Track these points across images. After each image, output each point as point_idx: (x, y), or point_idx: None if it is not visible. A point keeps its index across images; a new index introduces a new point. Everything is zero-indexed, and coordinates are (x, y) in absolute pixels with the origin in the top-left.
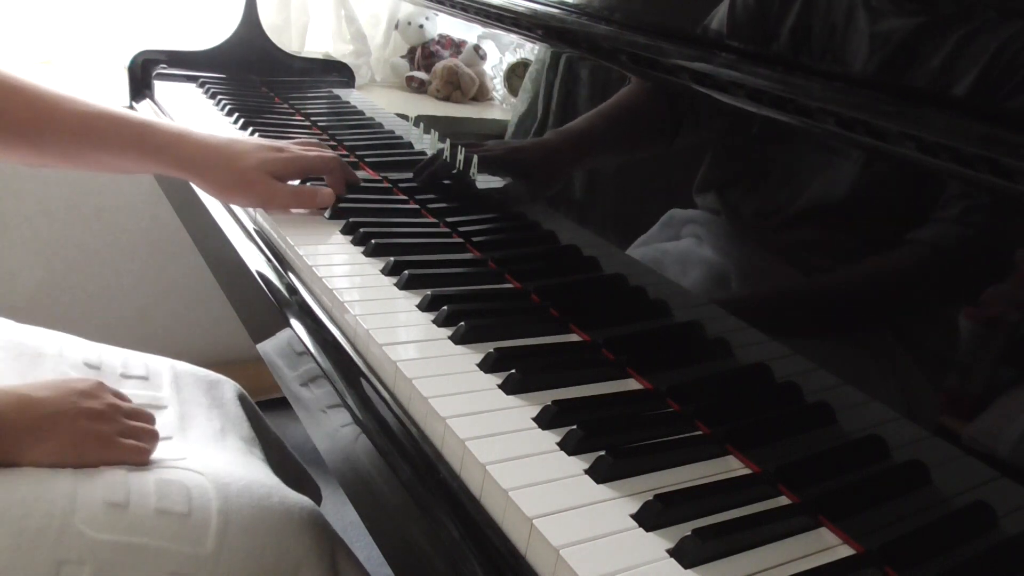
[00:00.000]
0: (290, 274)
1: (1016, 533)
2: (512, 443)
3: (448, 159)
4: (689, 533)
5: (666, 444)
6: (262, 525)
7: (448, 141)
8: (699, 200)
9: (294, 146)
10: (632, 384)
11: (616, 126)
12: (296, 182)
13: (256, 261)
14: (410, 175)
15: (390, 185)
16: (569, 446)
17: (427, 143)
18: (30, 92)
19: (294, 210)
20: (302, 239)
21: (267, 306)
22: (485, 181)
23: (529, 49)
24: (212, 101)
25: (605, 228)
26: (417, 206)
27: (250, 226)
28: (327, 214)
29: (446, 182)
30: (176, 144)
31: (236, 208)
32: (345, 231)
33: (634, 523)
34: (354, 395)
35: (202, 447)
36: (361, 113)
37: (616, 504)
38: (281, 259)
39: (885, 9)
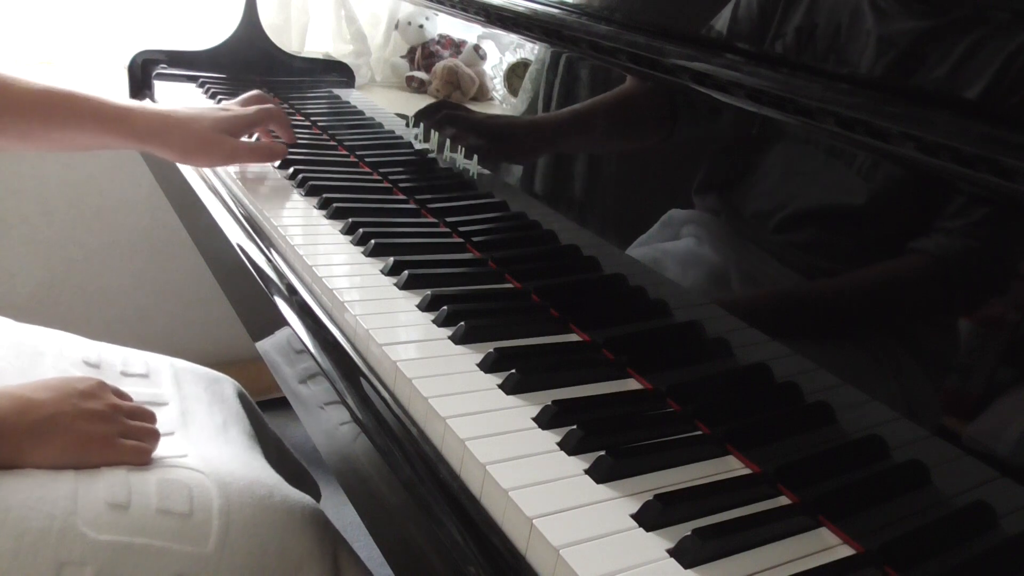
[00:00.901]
0: (290, 274)
1: (1016, 533)
2: (512, 443)
3: (448, 159)
4: (689, 533)
5: (666, 444)
6: (264, 524)
7: (448, 141)
8: (699, 200)
9: (234, 104)
10: (632, 384)
11: (611, 113)
12: (245, 138)
13: (256, 261)
14: (410, 175)
15: (390, 185)
16: (569, 446)
17: (421, 141)
18: None
19: (254, 167)
20: (302, 239)
21: (267, 306)
22: (485, 181)
23: (529, 49)
24: (212, 101)
25: (605, 228)
26: (417, 206)
27: (250, 226)
28: (327, 214)
29: (440, 181)
30: (132, 116)
31: (236, 208)
32: (345, 231)
33: (634, 523)
34: (354, 395)
35: (204, 442)
36: (361, 113)
37: (616, 504)
38: (281, 259)
39: (885, 9)
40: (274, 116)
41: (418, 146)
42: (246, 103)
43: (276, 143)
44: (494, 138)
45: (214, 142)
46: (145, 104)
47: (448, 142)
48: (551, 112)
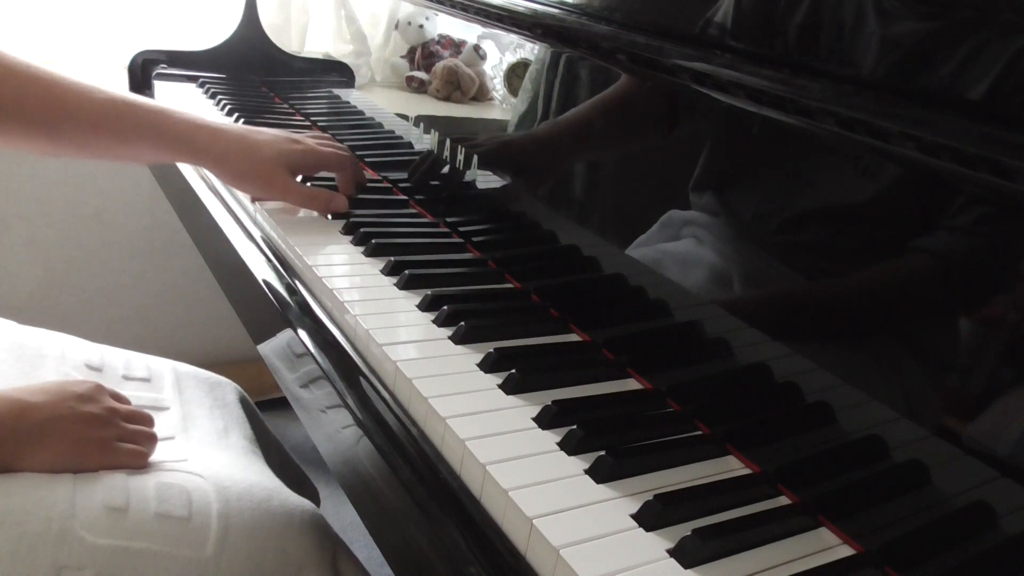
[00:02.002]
0: (290, 274)
1: (1016, 533)
2: (512, 443)
3: (448, 159)
4: (689, 533)
5: (666, 444)
6: (263, 528)
7: (448, 141)
8: (699, 200)
9: (309, 139)
10: (632, 384)
11: (610, 116)
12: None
13: (256, 261)
14: (410, 175)
15: (390, 185)
16: (569, 446)
17: (427, 142)
18: (47, 81)
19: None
20: (302, 239)
21: (267, 306)
22: (485, 180)
23: (529, 49)
24: (212, 101)
25: (605, 228)
26: (417, 206)
27: (250, 226)
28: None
29: (439, 183)
30: (193, 133)
31: (236, 208)
32: (345, 231)
33: (634, 523)
34: (354, 395)
35: (204, 448)
36: (361, 113)
37: (616, 504)
38: (281, 259)
39: (887, 10)
40: (348, 166)
41: (418, 146)
42: (321, 142)
43: (336, 196)
44: (498, 158)
45: (271, 175)
46: (214, 122)
47: (448, 142)
48: (551, 123)
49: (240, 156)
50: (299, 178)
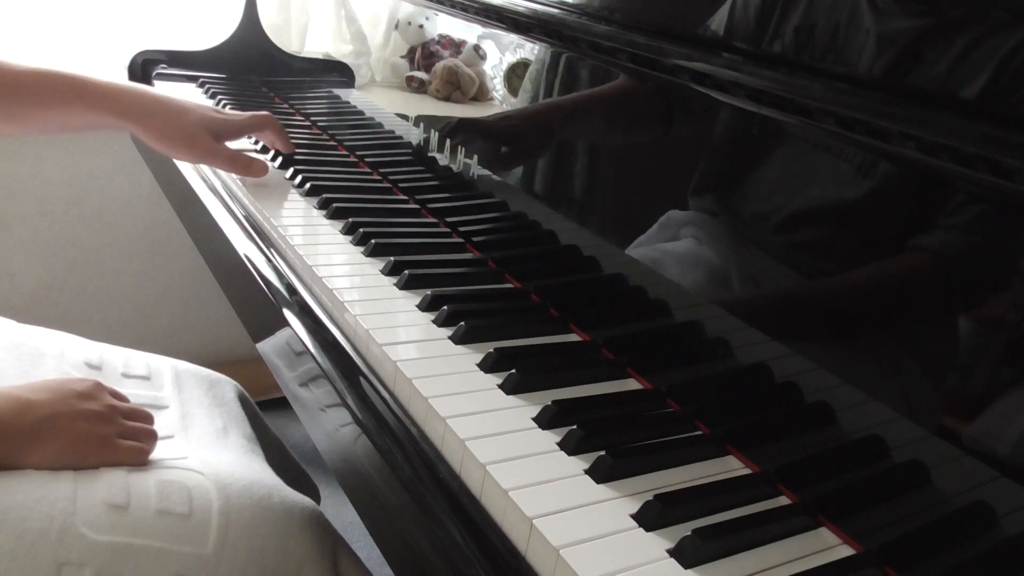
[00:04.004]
0: (290, 274)
1: (1016, 533)
2: (512, 443)
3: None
4: (689, 533)
5: (666, 444)
6: (263, 525)
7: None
8: (698, 201)
9: (229, 109)
10: (632, 384)
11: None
12: (238, 144)
13: (256, 261)
14: (410, 175)
15: (390, 185)
16: (569, 446)
17: (418, 137)
18: None
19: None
20: (302, 239)
21: (267, 306)
22: (481, 172)
23: (529, 49)
24: (212, 101)
25: (605, 228)
26: (417, 206)
27: (249, 226)
28: (327, 214)
29: (438, 174)
30: (118, 94)
31: (236, 208)
32: (345, 231)
33: (634, 523)
34: (354, 395)
35: (204, 446)
36: (361, 113)
37: (616, 504)
38: (281, 259)
39: (884, 9)
40: (267, 124)
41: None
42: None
43: (257, 159)
44: (492, 135)
45: (195, 137)
46: (138, 85)
47: (448, 141)
48: (542, 103)
49: (164, 119)
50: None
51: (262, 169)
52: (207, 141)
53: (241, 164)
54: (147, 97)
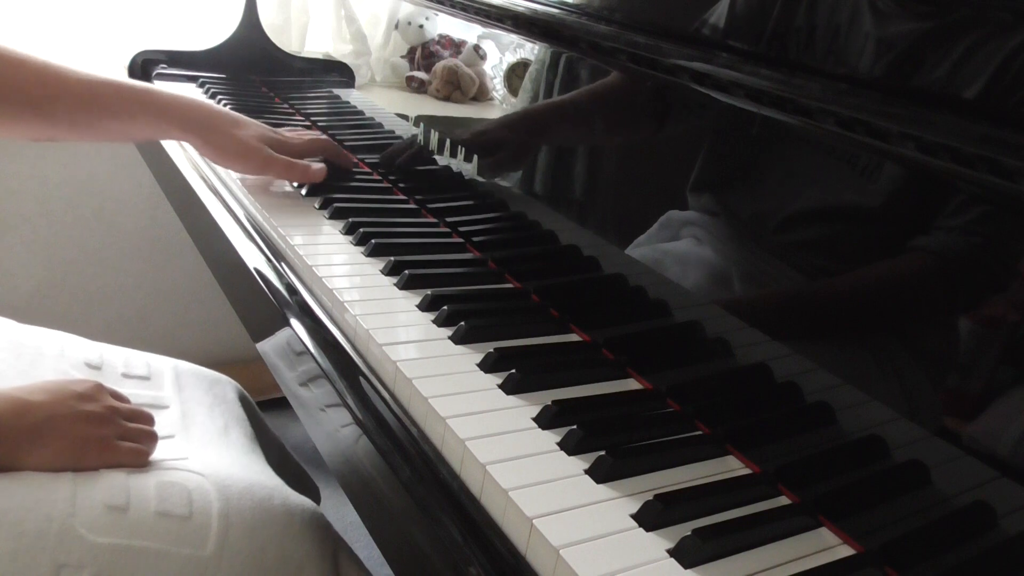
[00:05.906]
0: (290, 274)
1: (1016, 533)
2: (512, 443)
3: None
4: (689, 533)
5: (666, 444)
6: (263, 527)
7: (447, 140)
8: (698, 201)
9: (287, 131)
10: (632, 384)
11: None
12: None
13: (256, 261)
14: (410, 175)
15: (390, 185)
16: (569, 446)
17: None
18: (37, 64)
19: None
20: (302, 239)
21: (267, 306)
22: (481, 174)
23: (529, 49)
24: (212, 101)
25: (605, 228)
26: (417, 206)
27: (250, 226)
28: (327, 214)
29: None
30: (178, 106)
31: (236, 208)
32: (345, 231)
33: (634, 523)
34: (354, 395)
35: (204, 446)
36: (361, 113)
37: (616, 504)
38: (281, 259)
39: (884, 10)
40: (326, 149)
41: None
42: (296, 133)
43: (315, 165)
44: (491, 135)
45: (253, 149)
46: (195, 98)
47: (448, 141)
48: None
49: (222, 132)
50: None
51: (320, 174)
52: (264, 153)
53: (298, 172)
54: (205, 110)
